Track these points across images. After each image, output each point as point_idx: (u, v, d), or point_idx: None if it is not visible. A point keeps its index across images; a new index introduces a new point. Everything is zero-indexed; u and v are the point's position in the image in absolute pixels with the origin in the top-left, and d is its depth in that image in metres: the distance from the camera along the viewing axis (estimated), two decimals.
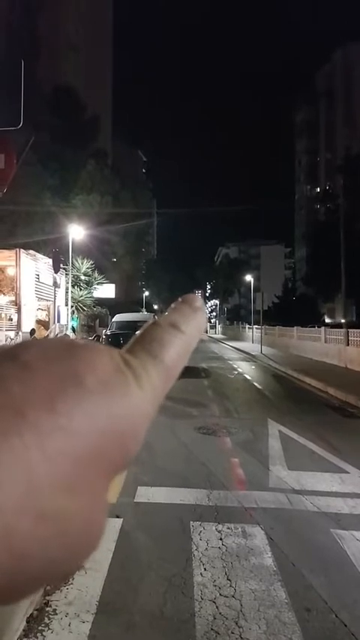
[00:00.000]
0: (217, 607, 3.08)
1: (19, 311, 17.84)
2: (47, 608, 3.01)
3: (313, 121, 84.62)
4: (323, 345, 21.77)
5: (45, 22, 45.72)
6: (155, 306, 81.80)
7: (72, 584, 3.30)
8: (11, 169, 4.58)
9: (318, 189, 78.43)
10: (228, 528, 4.24)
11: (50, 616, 2.98)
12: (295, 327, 27.46)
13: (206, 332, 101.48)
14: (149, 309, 65.37)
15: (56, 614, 2.98)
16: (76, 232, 23.71)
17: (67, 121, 33.21)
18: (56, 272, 19.33)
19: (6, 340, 10.85)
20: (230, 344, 39.73)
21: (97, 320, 33.88)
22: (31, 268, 19.59)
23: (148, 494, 5.03)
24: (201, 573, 3.49)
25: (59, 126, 32.25)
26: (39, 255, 20.51)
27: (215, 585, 3.34)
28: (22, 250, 18.64)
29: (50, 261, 19.81)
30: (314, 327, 27.09)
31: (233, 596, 3.21)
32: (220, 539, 4.04)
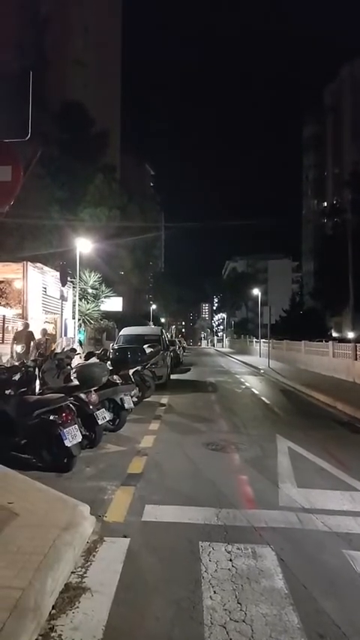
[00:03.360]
0: (227, 632, 2.95)
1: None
2: (52, 634, 2.89)
3: (321, 136, 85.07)
4: (331, 359, 21.63)
5: (53, 37, 46.07)
6: (163, 319, 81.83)
7: (78, 607, 3.18)
8: (18, 182, 4.52)
9: (325, 204, 78.71)
10: (238, 549, 4.11)
11: None
12: (303, 342, 27.36)
13: (214, 345, 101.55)
14: (157, 322, 65.34)
15: (62, 639, 2.88)
16: (84, 245, 23.72)
17: (76, 135, 33.44)
18: (63, 285, 19.30)
19: (12, 353, 10.82)
20: (238, 358, 39.60)
21: (105, 333, 33.86)
22: (38, 281, 19.61)
23: (155, 513, 4.93)
24: (210, 596, 3.36)
25: (68, 140, 32.46)
26: (46, 268, 20.53)
27: (225, 609, 3.20)
28: (29, 263, 18.66)
29: (57, 274, 19.80)
30: (322, 341, 26.99)
31: (244, 621, 3.07)
32: (230, 560, 3.91)
